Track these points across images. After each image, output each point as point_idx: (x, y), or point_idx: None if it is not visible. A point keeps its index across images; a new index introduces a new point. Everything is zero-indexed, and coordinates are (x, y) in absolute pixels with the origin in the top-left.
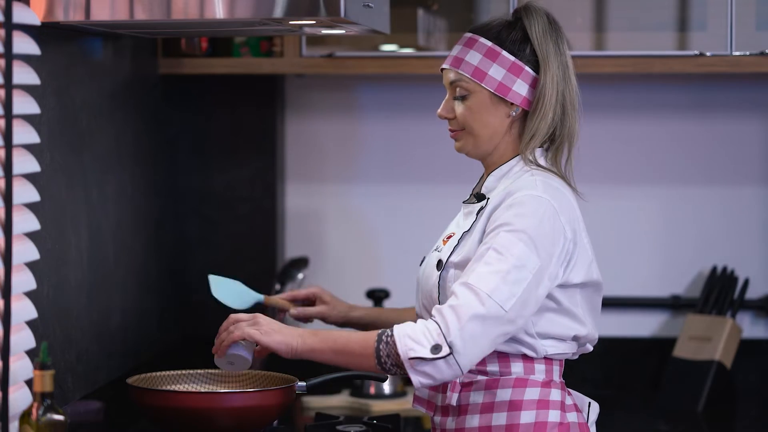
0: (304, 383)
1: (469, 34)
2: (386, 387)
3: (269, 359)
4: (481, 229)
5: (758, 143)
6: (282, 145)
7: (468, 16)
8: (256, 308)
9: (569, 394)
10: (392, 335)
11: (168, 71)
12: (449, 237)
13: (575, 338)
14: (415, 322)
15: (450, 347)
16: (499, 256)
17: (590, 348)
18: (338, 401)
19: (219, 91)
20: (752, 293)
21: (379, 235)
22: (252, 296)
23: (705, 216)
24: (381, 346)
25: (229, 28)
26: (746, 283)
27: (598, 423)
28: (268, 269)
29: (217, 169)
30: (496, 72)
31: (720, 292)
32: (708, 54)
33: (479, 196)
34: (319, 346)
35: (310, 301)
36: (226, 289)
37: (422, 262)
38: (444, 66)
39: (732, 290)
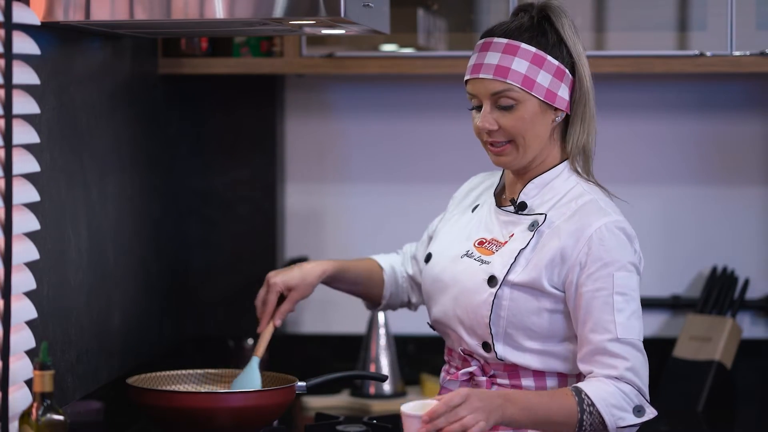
0: (304, 383)
1: (504, 40)
2: (386, 387)
3: (269, 359)
4: (553, 257)
5: (758, 143)
6: (282, 145)
7: (468, 16)
8: (243, 359)
9: None
10: (595, 406)
11: (168, 71)
12: (482, 243)
13: None
14: (396, 291)
15: (648, 402)
16: (625, 297)
17: None
18: (338, 401)
19: (219, 91)
20: (752, 293)
21: (379, 235)
22: (252, 371)
23: (705, 216)
24: (585, 417)
25: (229, 28)
26: (746, 283)
27: None
28: (268, 269)
29: (217, 169)
30: (544, 79)
31: (720, 292)
32: (708, 54)
33: (521, 205)
34: (519, 418)
35: (282, 296)
36: (240, 384)
37: (428, 258)
38: (483, 75)
39: (732, 290)
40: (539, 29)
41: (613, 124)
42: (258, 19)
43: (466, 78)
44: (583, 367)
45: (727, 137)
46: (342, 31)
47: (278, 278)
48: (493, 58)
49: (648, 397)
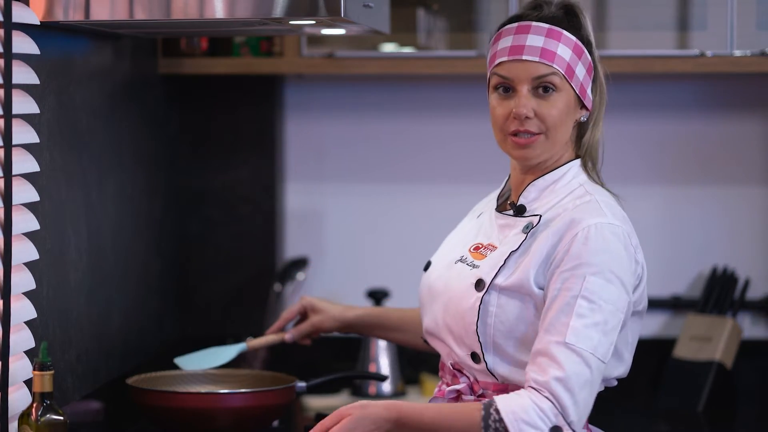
0: (304, 383)
1: (546, 25)
2: (386, 387)
3: (269, 359)
4: (540, 256)
5: (758, 143)
6: (282, 145)
7: (468, 16)
8: (240, 357)
9: (589, 430)
10: (501, 418)
11: (168, 71)
12: (477, 248)
13: (607, 378)
14: (420, 331)
15: (570, 425)
16: (592, 305)
17: (615, 383)
18: (338, 401)
19: (219, 91)
20: (753, 293)
21: (379, 235)
22: (231, 350)
23: (705, 216)
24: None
25: (229, 28)
26: (747, 283)
27: (598, 423)
28: (268, 269)
29: (217, 169)
30: (581, 71)
31: (720, 292)
32: (708, 53)
33: (519, 209)
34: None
35: (303, 316)
36: (197, 359)
37: (427, 266)
38: (528, 57)
39: (732, 290)
40: (573, 23)
41: (613, 124)
42: (258, 19)
43: (501, 60)
44: (527, 368)
45: (727, 137)
46: (342, 31)
47: (310, 297)
48: (536, 41)
49: (574, 419)
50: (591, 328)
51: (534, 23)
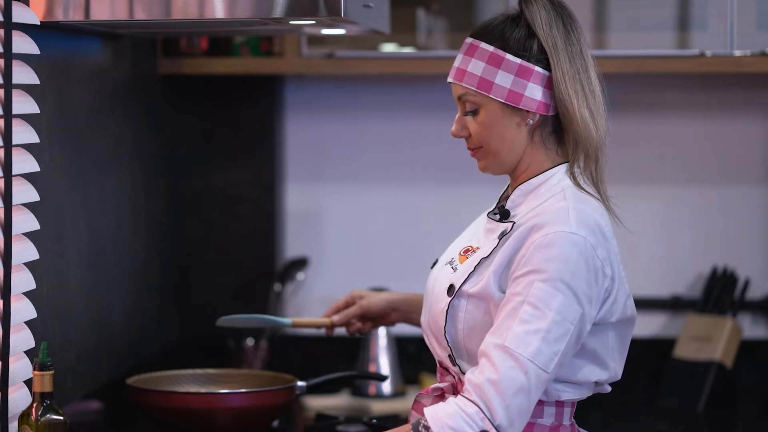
0: (304, 383)
1: (469, 40)
2: (386, 387)
3: (269, 359)
4: (503, 262)
5: (758, 143)
6: (282, 145)
7: (468, 16)
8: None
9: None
10: (430, 428)
11: (168, 71)
12: (466, 251)
13: (595, 383)
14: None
15: (498, 429)
16: (536, 311)
17: (609, 389)
18: (338, 401)
19: (219, 91)
20: (753, 293)
21: (379, 235)
22: (275, 321)
23: (705, 216)
24: None
25: (229, 28)
26: (747, 283)
27: (598, 424)
28: (268, 269)
29: (217, 169)
30: (504, 79)
31: (720, 292)
32: (708, 53)
33: (504, 213)
34: None
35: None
36: (244, 318)
37: (434, 264)
38: (449, 79)
39: (732, 290)
40: (511, 24)
41: (613, 124)
42: (258, 18)
43: None
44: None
45: (727, 137)
46: (342, 31)
47: (358, 288)
48: (458, 60)
49: (503, 423)
50: (532, 335)
51: (467, 39)
